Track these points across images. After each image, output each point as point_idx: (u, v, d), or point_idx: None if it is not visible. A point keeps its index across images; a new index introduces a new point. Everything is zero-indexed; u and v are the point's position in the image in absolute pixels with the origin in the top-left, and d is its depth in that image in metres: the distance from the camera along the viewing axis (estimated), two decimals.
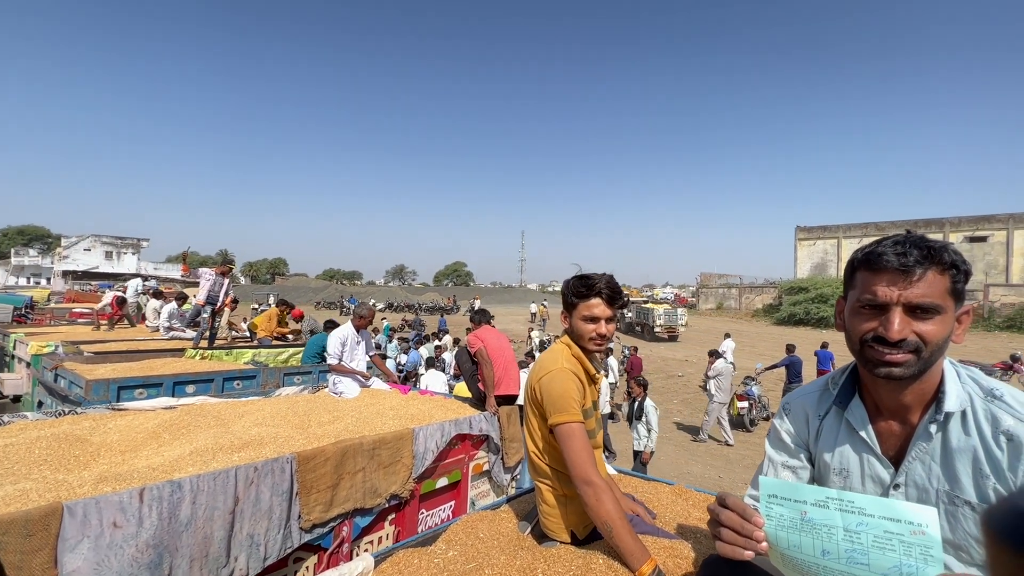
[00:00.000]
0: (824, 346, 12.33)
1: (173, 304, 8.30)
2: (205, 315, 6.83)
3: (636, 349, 12.87)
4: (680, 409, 11.73)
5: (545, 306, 34.84)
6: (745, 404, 9.71)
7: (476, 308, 4.81)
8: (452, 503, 3.52)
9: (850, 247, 32.56)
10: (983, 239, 28.51)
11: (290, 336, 9.00)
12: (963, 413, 0.93)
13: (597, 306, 1.64)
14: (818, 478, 1.12)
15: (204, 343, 6.80)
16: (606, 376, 10.79)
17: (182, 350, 6.30)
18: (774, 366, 10.64)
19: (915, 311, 0.90)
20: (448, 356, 11.05)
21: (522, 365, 6.81)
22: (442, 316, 29.19)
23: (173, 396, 4.24)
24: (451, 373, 10.21)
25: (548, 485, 1.65)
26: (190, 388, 4.64)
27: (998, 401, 0.91)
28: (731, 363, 13.08)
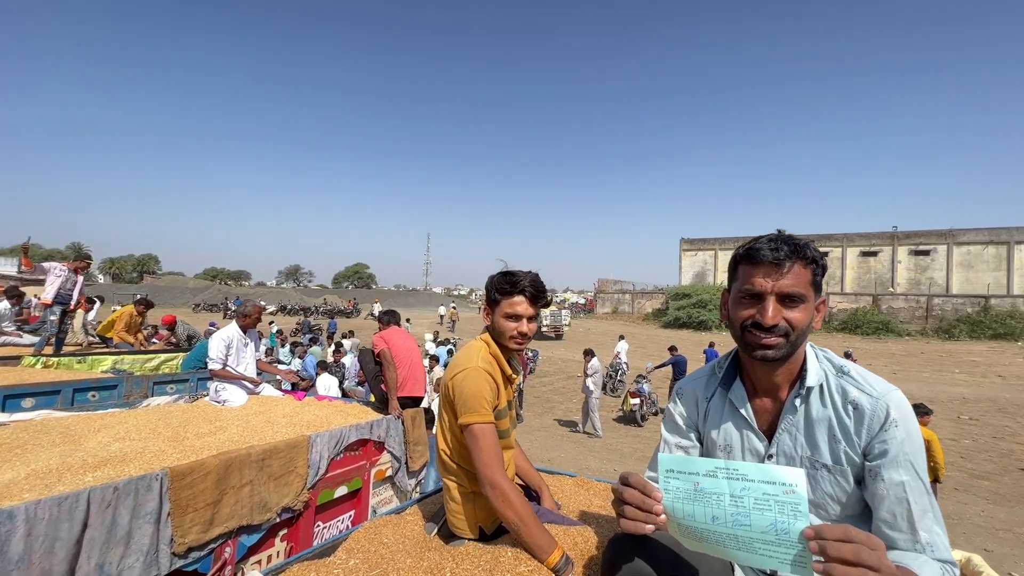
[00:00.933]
0: (711, 345, 13.96)
1: (4, 303, 6.94)
2: (53, 317, 5.82)
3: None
4: (578, 408, 12.27)
5: (455, 308, 34.54)
6: (637, 401, 10.42)
7: (383, 310, 4.55)
8: (352, 513, 3.34)
9: (725, 258, 36.54)
10: (825, 254, 33.70)
11: (145, 343, 7.43)
12: (820, 387, 1.08)
13: (520, 304, 1.63)
14: (706, 455, 1.23)
15: (49, 349, 5.79)
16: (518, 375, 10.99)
17: (18, 358, 5.29)
18: (661, 365, 11.56)
19: (785, 300, 1.03)
20: (349, 359, 10.51)
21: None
22: (332, 319, 27.64)
23: (3, 411, 3.55)
24: (355, 379, 9.75)
25: (456, 482, 1.63)
26: (27, 402, 3.91)
27: (847, 376, 1.07)
28: (625, 362, 14.07)
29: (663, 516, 0.88)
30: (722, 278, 35.90)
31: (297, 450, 2.82)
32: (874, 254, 33.20)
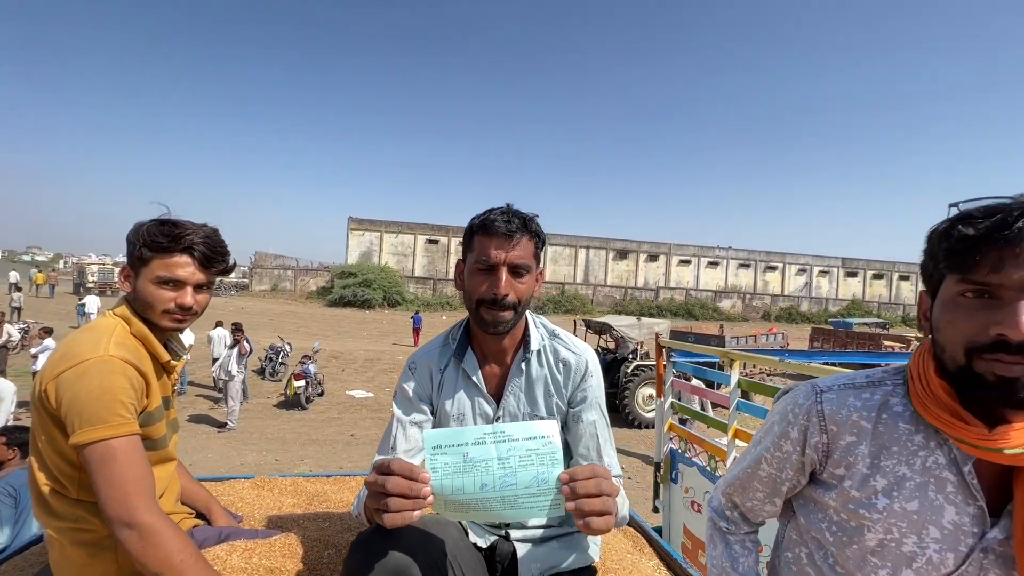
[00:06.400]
0: (417, 312, 16.95)
1: None
2: None
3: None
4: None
5: (41, 272, 24.12)
6: (302, 383, 9.82)
7: None
8: None
9: (391, 239, 38.54)
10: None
11: None
12: (540, 350, 1.22)
13: (184, 266, 1.19)
14: (438, 426, 1.21)
15: None
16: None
17: None
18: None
19: (514, 270, 1.12)
20: None
21: None
22: None
23: None
24: None
25: (74, 529, 1.10)
26: None
27: (558, 339, 1.25)
28: (288, 343, 13.00)
29: (430, 498, 0.80)
30: (386, 259, 37.80)
31: None
32: None
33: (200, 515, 1.46)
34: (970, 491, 0.74)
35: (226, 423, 8.31)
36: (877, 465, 0.79)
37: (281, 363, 12.32)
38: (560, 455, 0.84)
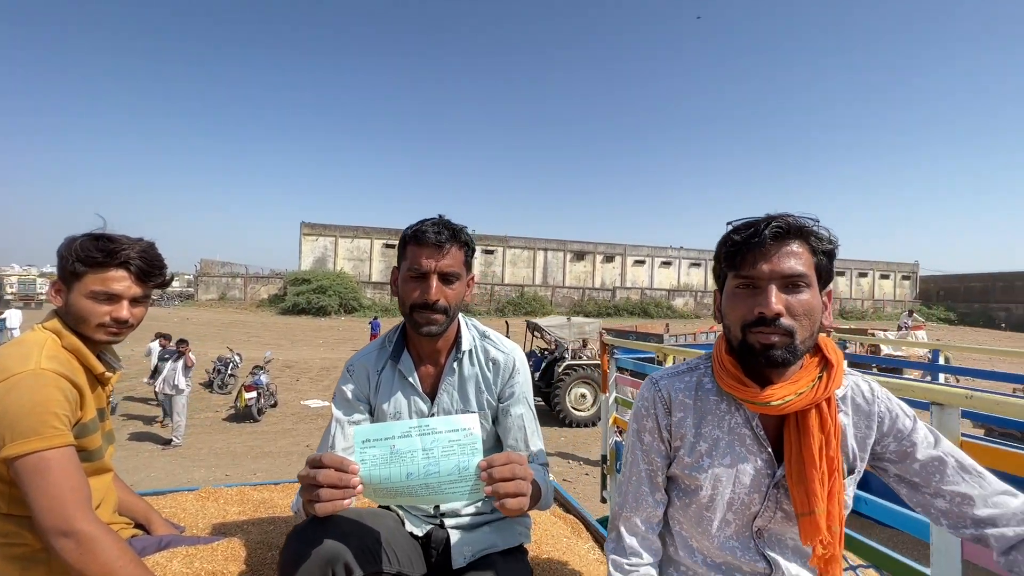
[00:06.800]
0: (376, 318, 16.87)
1: None
2: None
3: None
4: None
5: None
6: (253, 394, 9.50)
7: None
8: None
9: (345, 245, 37.73)
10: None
11: None
12: (471, 350, 1.31)
13: (120, 280, 1.20)
14: None
15: None
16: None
17: None
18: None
19: (444, 278, 1.20)
20: None
21: None
22: None
23: None
24: None
25: (10, 543, 1.10)
26: None
27: (488, 339, 1.34)
28: (237, 354, 12.53)
29: (360, 487, 0.88)
30: (341, 264, 36.97)
31: None
32: None
33: (140, 526, 1.46)
34: (760, 442, 0.95)
35: (171, 439, 7.95)
36: (700, 432, 0.98)
37: (230, 375, 11.86)
38: (479, 445, 0.93)
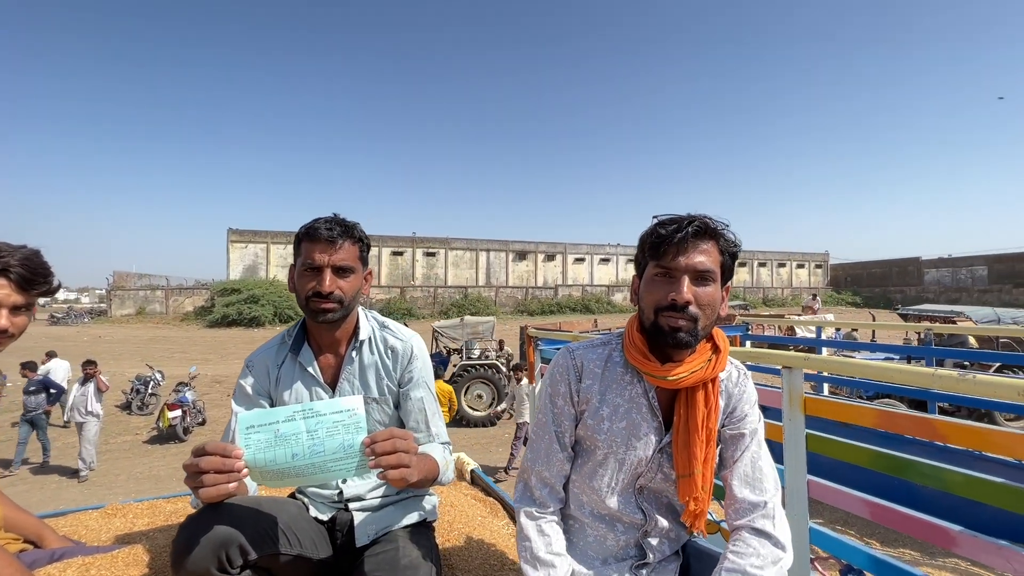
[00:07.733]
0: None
1: None
2: None
3: None
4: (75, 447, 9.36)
5: None
6: (178, 412, 8.92)
7: None
8: None
9: (278, 251, 36.03)
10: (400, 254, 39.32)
11: None
12: (369, 339, 1.37)
13: None
14: None
15: None
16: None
17: None
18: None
19: (338, 271, 1.26)
20: None
21: None
22: None
23: None
24: None
25: None
26: None
27: (387, 328, 1.41)
28: (159, 371, 11.68)
29: (245, 470, 0.92)
30: (275, 272, 35.32)
31: None
32: (401, 254, 40.70)
33: (31, 543, 1.41)
34: (654, 411, 1.10)
35: (79, 470, 7.29)
36: (604, 399, 1.11)
37: (151, 394, 11.06)
38: (364, 424, 1.01)
